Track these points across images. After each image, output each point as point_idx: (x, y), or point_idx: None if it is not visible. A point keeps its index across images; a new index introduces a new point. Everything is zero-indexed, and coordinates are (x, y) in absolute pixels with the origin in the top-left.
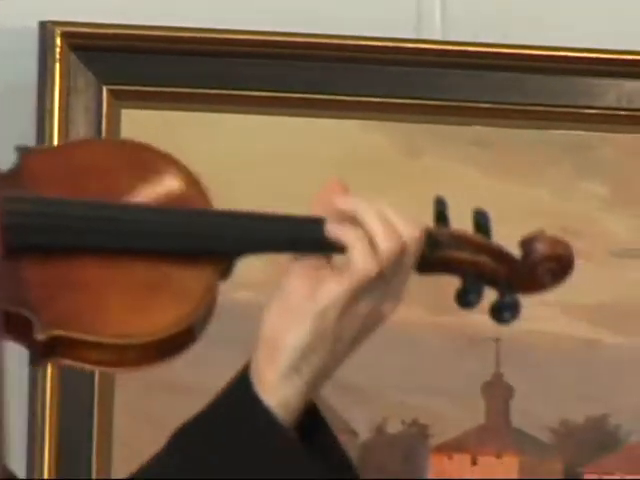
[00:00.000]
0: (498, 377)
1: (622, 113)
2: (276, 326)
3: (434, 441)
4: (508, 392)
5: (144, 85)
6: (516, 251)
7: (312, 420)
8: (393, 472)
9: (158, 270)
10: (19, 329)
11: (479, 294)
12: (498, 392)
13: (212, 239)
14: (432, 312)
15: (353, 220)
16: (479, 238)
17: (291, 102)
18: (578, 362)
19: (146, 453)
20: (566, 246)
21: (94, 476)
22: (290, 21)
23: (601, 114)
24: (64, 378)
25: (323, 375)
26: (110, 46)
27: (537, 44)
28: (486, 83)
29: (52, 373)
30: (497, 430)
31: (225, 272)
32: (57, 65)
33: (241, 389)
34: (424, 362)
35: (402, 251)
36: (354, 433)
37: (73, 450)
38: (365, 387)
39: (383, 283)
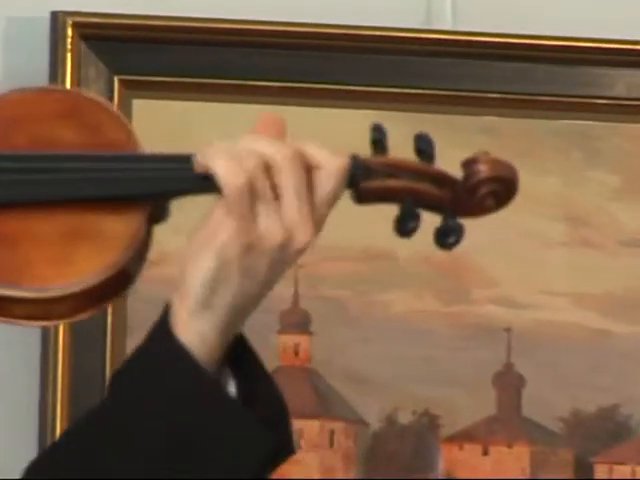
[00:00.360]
0: (509, 367)
1: (632, 103)
2: (186, 263)
3: (445, 431)
4: (519, 382)
5: (155, 75)
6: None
7: (240, 353)
8: (404, 462)
9: (80, 219)
10: None
11: (417, 219)
12: (509, 382)
13: (126, 182)
14: (443, 302)
15: None
16: (417, 164)
17: (301, 92)
18: (589, 352)
19: None
20: (509, 167)
21: None
22: (301, 11)
23: (611, 104)
24: (75, 353)
25: (240, 312)
26: (121, 36)
27: (547, 34)
28: (496, 73)
29: (63, 348)
30: (508, 420)
31: (155, 216)
32: (68, 55)
33: (159, 326)
34: (435, 352)
35: (268, 164)
36: (365, 423)
37: None
38: (376, 377)
39: (270, 206)
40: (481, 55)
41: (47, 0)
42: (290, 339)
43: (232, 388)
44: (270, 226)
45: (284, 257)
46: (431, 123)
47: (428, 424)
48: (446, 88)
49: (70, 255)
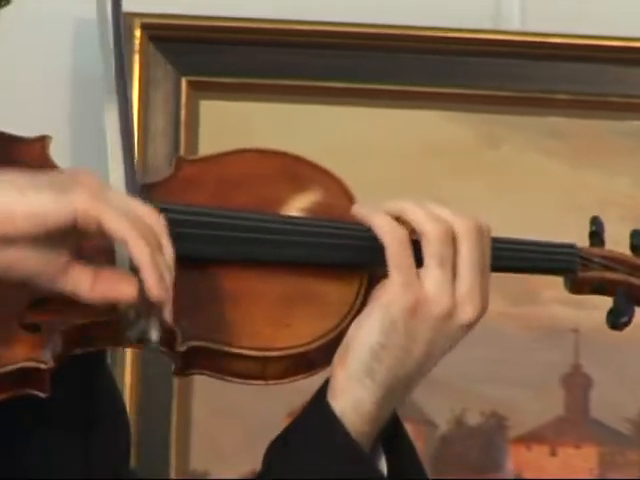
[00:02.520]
0: (577, 368)
1: None
2: (353, 325)
3: (513, 432)
4: (587, 383)
5: (223, 76)
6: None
7: (392, 431)
8: (472, 463)
9: (303, 282)
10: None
11: (631, 314)
12: (577, 383)
13: (358, 251)
14: (511, 303)
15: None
16: (634, 259)
17: (370, 93)
18: None
19: (223, 444)
20: None
21: (173, 466)
22: (369, 12)
23: None
24: (143, 368)
25: (403, 380)
26: (189, 37)
27: (615, 34)
28: (564, 74)
29: (131, 362)
30: (576, 421)
31: (372, 285)
32: (136, 56)
33: (316, 395)
34: (503, 353)
35: (449, 235)
36: (434, 425)
37: (152, 440)
38: (444, 379)
39: (445, 271)
40: (549, 56)
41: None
42: None
43: (383, 464)
44: (439, 291)
45: (448, 329)
46: (500, 124)
47: (496, 425)
48: (514, 89)
49: (289, 317)
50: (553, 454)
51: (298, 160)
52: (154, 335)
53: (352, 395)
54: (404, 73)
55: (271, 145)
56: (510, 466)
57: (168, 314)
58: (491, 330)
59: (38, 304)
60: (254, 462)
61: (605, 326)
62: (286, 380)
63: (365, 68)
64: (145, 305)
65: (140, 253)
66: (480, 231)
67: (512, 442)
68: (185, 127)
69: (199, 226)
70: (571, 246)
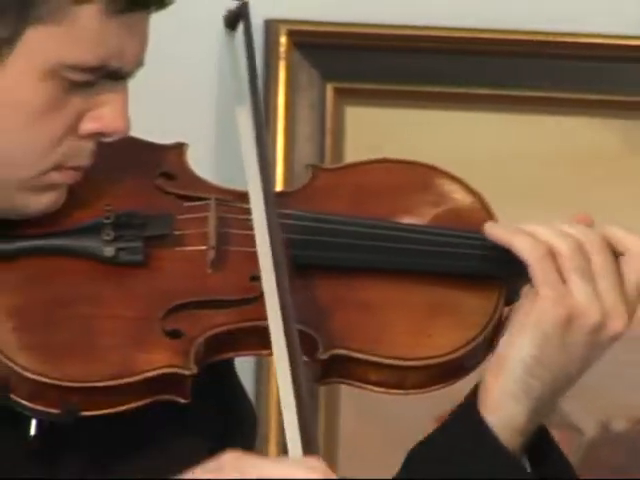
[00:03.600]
0: None
1: None
2: (504, 342)
3: None
4: None
5: (368, 82)
6: None
7: (541, 443)
8: (617, 467)
9: (443, 293)
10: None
11: None
12: None
13: (496, 263)
14: None
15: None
16: None
17: (511, 100)
18: None
19: (370, 452)
20: None
21: None
22: (515, 18)
23: None
24: None
25: (556, 392)
26: (334, 44)
27: None
28: None
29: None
30: None
31: (509, 299)
32: (282, 63)
33: (466, 408)
34: None
35: (583, 248)
36: (580, 431)
37: None
38: (591, 386)
39: (589, 284)
40: None
41: (261, 8)
42: None
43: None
44: (590, 302)
45: (599, 340)
46: None
47: None
48: None
49: (429, 327)
50: None
51: (435, 171)
52: None
53: (506, 411)
54: (546, 79)
55: (416, 151)
56: None
57: None
58: (637, 336)
59: (179, 309)
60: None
61: None
62: (425, 390)
63: (510, 75)
64: None
65: None
66: (607, 243)
67: None
68: (330, 133)
69: (338, 234)
70: None
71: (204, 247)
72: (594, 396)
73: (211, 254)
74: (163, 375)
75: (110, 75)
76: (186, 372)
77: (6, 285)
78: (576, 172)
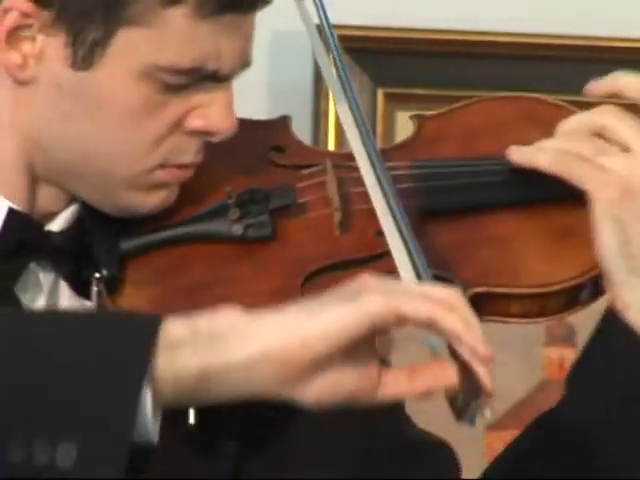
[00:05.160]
0: None
1: None
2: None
3: None
4: None
5: (419, 88)
6: None
7: None
8: None
9: (559, 216)
10: None
11: None
12: None
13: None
14: None
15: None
16: None
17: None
18: None
19: None
20: None
21: None
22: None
23: None
24: None
25: None
26: (385, 49)
27: None
28: None
29: None
30: None
31: None
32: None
33: (607, 318)
34: None
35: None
36: None
37: None
38: None
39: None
40: None
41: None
42: (555, 352)
43: None
44: (630, 168)
45: None
46: None
47: None
48: None
49: (561, 251)
50: None
51: (537, 100)
52: (488, 413)
53: (632, 298)
54: None
55: None
56: None
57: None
58: None
59: (316, 275)
60: None
61: None
62: (564, 314)
63: (566, 80)
64: (468, 384)
65: (453, 323)
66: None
67: None
68: (382, 138)
69: (459, 176)
70: None
71: (329, 210)
72: None
73: (337, 216)
74: None
75: (209, 77)
76: None
77: (144, 279)
78: None
